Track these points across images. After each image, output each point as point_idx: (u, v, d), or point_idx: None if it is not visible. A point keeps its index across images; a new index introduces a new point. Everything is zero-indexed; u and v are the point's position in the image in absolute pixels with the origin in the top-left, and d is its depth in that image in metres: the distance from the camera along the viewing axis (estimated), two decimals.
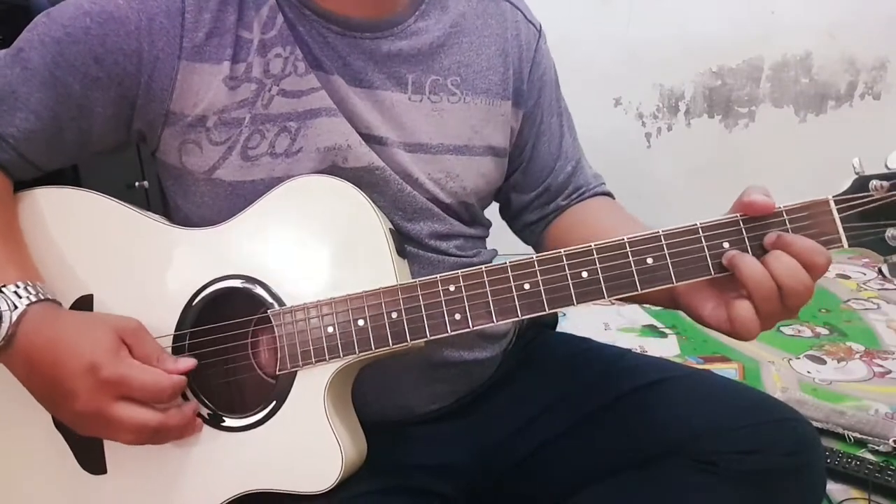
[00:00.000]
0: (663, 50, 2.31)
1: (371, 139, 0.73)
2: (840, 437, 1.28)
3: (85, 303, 0.68)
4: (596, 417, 0.79)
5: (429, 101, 0.76)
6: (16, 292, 0.61)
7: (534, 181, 0.86)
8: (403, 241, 0.72)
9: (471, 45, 0.78)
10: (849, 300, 2.02)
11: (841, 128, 2.33)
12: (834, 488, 1.14)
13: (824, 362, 1.65)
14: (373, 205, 0.67)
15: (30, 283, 0.63)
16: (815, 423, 1.30)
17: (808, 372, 1.60)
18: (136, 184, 1.50)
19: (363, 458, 0.68)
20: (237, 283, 0.67)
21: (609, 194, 0.89)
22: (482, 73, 0.78)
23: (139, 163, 1.50)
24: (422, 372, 0.76)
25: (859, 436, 1.27)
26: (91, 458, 0.67)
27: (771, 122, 2.37)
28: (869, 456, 1.22)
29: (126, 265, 0.69)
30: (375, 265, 0.66)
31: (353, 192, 0.67)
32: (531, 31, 0.84)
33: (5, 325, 0.60)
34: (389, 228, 0.68)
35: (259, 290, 0.67)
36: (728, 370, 1.59)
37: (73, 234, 0.69)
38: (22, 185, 0.70)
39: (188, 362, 0.64)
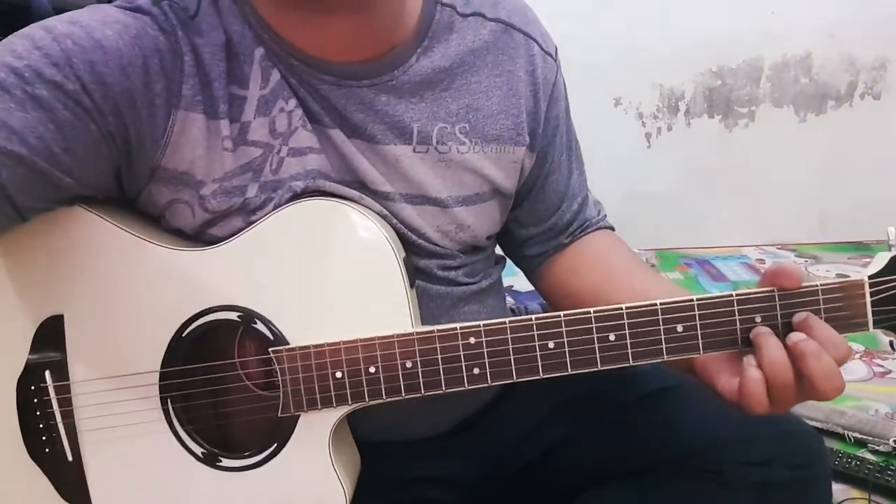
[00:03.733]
0: (663, 50, 2.31)
1: (376, 194, 0.67)
2: (840, 437, 1.28)
3: (54, 324, 0.61)
4: (600, 425, 0.78)
5: (436, 152, 0.69)
6: None
7: (537, 218, 0.81)
8: (414, 274, 0.67)
9: (480, 85, 0.70)
10: None
11: (841, 128, 2.33)
12: (834, 488, 1.14)
13: None
14: (386, 234, 0.62)
15: None
16: (815, 423, 1.30)
17: None
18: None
19: (358, 473, 0.66)
20: (233, 316, 0.61)
21: (611, 228, 0.86)
22: (493, 118, 0.71)
23: None
24: (428, 403, 0.71)
25: (859, 436, 1.26)
26: (74, 491, 0.63)
27: (771, 122, 2.37)
28: (869, 456, 1.22)
29: (105, 285, 0.61)
30: (388, 301, 0.61)
31: (366, 219, 0.62)
32: (548, 63, 0.75)
33: None
34: (403, 258, 0.63)
35: (258, 326, 0.61)
36: None
37: (47, 246, 0.62)
38: None
39: None
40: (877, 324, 0.59)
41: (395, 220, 0.68)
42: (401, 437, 0.76)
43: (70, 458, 0.63)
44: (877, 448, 1.24)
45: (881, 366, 1.62)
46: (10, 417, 0.63)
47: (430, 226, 0.70)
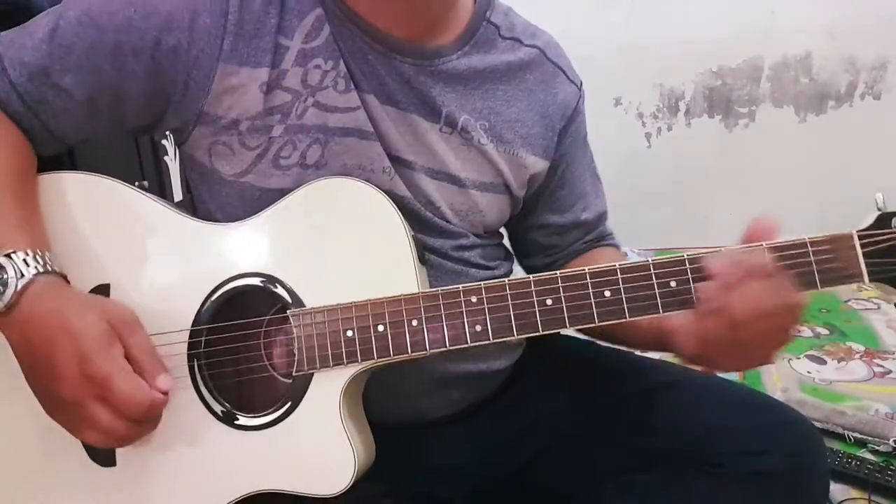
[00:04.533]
0: (663, 50, 2.31)
1: (399, 162, 0.72)
2: (840, 437, 1.28)
3: (102, 292, 0.67)
4: (601, 419, 0.79)
5: (459, 137, 0.75)
6: (24, 260, 0.60)
7: (547, 228, 0.87)
8: (426, 251, 0.71)
9: (504, 94, 0.78)
10: (849, 300, 2.01)
11: (841, 128, 2.33)
12: (834, 488, 1.14)
13: (824, 362, 1.65)
14: (397, 210, 0.67)
15: (39, 252, 0.61)
16: (815, 423, 1.30)
17: (809, 372, 1.60)
18: (136, 183, 1.50)
19: (372, 460, 0.68)
20: (257, 281, 0.67)
21: (617, 246, 0.91)
22: (509, 124, 0.78)
23: (139, 162, 1.50)
24: (436, 380, 0.76)
25: (859, 436, 1.27)
26: (101, 451, 0.66)
27: (771, 122, 2.37)
28: (869, 456, 1.22)
29: (145, 256, 0.68)
30: (397, 270, 0.66)
31: (379, 196, 0.67)
32: (570, 90, 0.84)
33: (10, 291, 0.59)
34: (412, 235, 0.68)
35: (279, 290, 0.66)
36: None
37: (94, 221, 0.69)
38: (44, 169, 0.69)
39: (165, 383, 0.61)
40: (872, 276, 0.61)
41: (409, 199, 0.72)
42: (411, 418, 0.77)
43: None
44: (877, 448, 1.24)
45: (881, 366, 1.62)
46: None
47: (446, 202, 0.75)
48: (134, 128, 0.73)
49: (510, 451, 0.81)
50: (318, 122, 0.69)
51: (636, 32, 2.28)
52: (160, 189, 0.77)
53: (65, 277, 0.63)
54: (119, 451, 0.66)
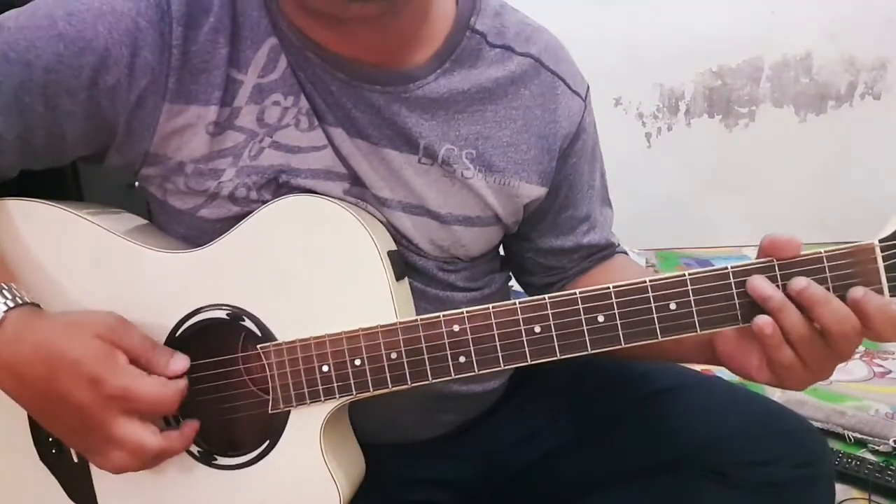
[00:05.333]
0: (663, 50, 2.30)
1: (373, 199, 0.67)
2: (840, 437, 1.28)
3: None
4: (604, 425, 0.77)
5: (440, 169, 0.68)
6: None
7: (549, 250, 0.79)
8: (408, 270, 0.67)
9: (495, 115, 0.69)
10: None
11: (841, 128, 2.33)
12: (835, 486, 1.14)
13: None
14: (367, 227, 0.62)
15: (5, 285, 0.58)
16: (815, 423, 1.30)
17: None
18: (136, 184, 1.50)
19: (361, 479, 0.66)
20: (222, 314, 0.62)
21: (624, 253, 0.84)
22: (501, 150, 0.69)
23: None
24: (428, 405, 0.73)
25: (859, 436, 1.26)
26: (80, 489, 0.64)
27: (771, 122, 2.36)
28: (869, 456, 1.22)
29: (103, 291, 0.63)
30: (372, 294, 0.61)
31: (347, 214, 0.62)
32: (574, 102, 0.73)
33: None
34: (388, 251, 0.63)
35: (247, 323, 0.62)
36: None
37: (45, 254, 0.63)
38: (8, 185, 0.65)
39: (180, 363, 0.60)
40: (893, 290, 0.55)
41: (386, 229, 0.67)
42: (400, 440, 0.75)
43: (76, 459, 0.64)
44: (877, 448, 1.24)
45: (881, 366, 1.62)
46: (22, 422, 0.64)
47: (424, 237, 0.69)
48: (77, 159, 0.66)
49: (506, 462, 0.79)
50: (276, 162, 0.63)
51: (636, 32, 2.28)
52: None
53: (37, 305, 0.60)
54: (99, 493, 0.64)
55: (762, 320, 0.54)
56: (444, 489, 0.77)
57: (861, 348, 1.70)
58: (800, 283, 0.54)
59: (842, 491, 1.14)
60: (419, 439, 0.77)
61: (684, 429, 0.73)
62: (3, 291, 0.57)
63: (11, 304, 0.57)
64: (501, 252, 0.83)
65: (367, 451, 0.69)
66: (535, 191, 0.72)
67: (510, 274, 0.84)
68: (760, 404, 0.76)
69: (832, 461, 0.74)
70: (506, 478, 0.80)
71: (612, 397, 0.79)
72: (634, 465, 0.74)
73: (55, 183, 0.68)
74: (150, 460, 0.58)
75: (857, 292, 0.54)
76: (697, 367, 0.78)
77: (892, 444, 1.23)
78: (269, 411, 0.62)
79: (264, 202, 0.64)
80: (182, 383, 0.59)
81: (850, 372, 1.60)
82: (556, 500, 0.77)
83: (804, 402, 1.39)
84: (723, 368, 0.63)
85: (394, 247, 0.66)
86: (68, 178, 1.16)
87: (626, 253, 0.84)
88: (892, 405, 1.40)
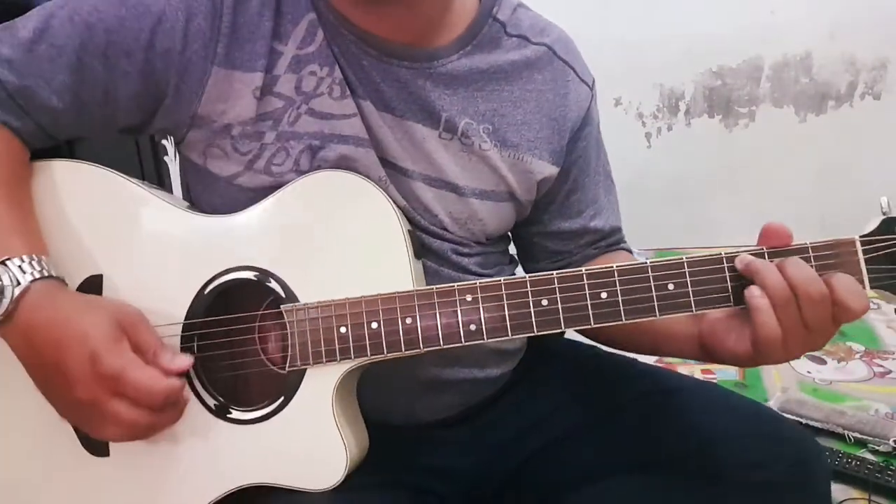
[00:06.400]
0: (663, 50, 2.31)
1: (395, 169, 0.71)
2: (840, 437, 1.28)
3: (95, 282, 0.67)
4: (600, 423, 0.78)
5: (459, 143, 0.73)
6: (20, 266, 0.59)
7: (557, 234, 0.83)
8: (421, 251, 0.70)
9: (511, 95, 0.74)
10: None
11: (841, 128, 2.33)
12: (834, 488, 1.14)
13: (824, 362, 1.65)
14: (393, 205, 0.66)
15: (35, 257, 0.61)
16: (815, 423, 1.31)
17: (808, 372, 1.60)
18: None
19: (365, 452, 0.68)
20: (250, 275, 0.66)
21: (629, 250, 0.88)
22: (515, 127, 0.74)
23: (139, 162, 1.50)
24: (430, 386, 0.75)
25: (859, 436, 1.27)
26: (94, 441, 0.66)
27: (771, 122, 2.37)
28: (869, 456, 1.22)
29: (139, 247, 0.68)
30: (392, 265, 0.65)
31: (375, 190, 0.66)
32: (582, 90, 0.80)
33: (6, 300, 0.58)
34: (408, 230, 0.67)
35: (272, 284, 0.66)
36: (728, 369, 1.59)
37: (87, 211, 0.68)
38: (37, 155, 0.68)
39: (184, 361, 0.62)
40: (873, 282, 0.60)
41: (407, 208, 0.71)
42: (403, 420, 0.77)
43: None
44: (877, 448, 1.24)
45: (881, 366, 1.62)
46: None
47: (444, 210, 0.73)
48: (125, 127, 0.71)
49: (506, 453, 0.80)
50: (311, 129, 0.68)
51: (636, 32, 2.28)
52: (157, 173, 0.77)
53: (63, 280, 0.63)
54: (112, 444, 0.66)
55: (752, 290, 0.59)
56: (444, 477, 0.78)
57: (861, 348, 1.70)
58: (788, 265, 0.59)
59: (842, 491, 1.15)
60: (421, 421, 0.78)
61: (681, 429, 0.74)
62: (33, 262, 0.60)
63: (38, 276, 0.60)
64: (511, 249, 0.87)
65: (371, 430, 0.70)
66: (547, 168, 0.77)
67: (516, 265, 0.87)
68: (756, 409, 0.78)
69: (828, 464, 0.74)
70: (506, 469, 0.81)
71: (612, 395, 0.80)
72: (632, 463, 0.74)
73: None
74: (143, 433, 0.61)
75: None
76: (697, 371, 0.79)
77: (892, 444, 1.23)
78: (286, 368, 0.65)
79: (299, 172, 0.68)
80: (176, 382, 0.61)
81: (850, 372, 1.60)
82: (555, 492, 0.78)
83: (804, 402, 1.39)
84: (718, 365, 0.65)
85: (410, 228, 0.69)
86: None
87: (630, 251, 0.88)
88: (892, 405, 1.40)
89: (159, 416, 0.61)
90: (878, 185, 2.25)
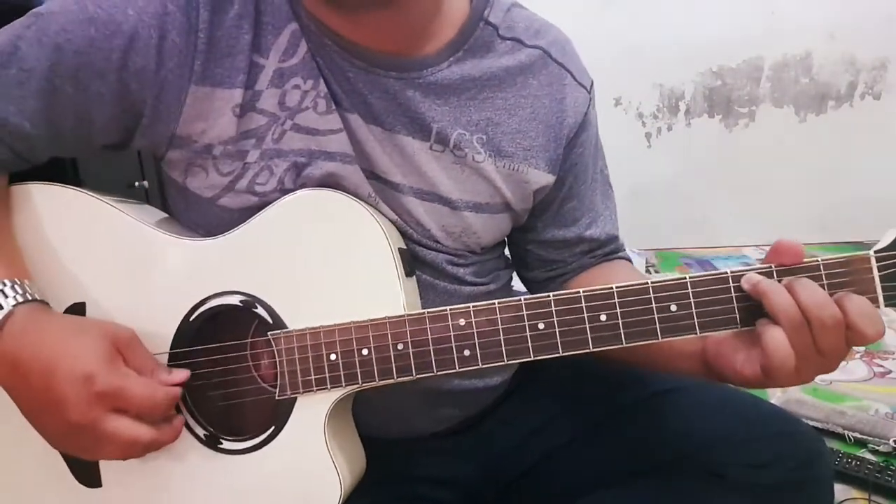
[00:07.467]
0: (663, 50, 2.31)
1: (385, 184, 0.68)
2: (840, 437, 1.28)
3: (77, 310, 0.65)
4: (604, 425, 0.77)
5: (452, 155, 0.69)
6: (2, 291, 0.58)
7: (550, 243, 0.80)
8: (415, 264, 0.68)
9: (505, 102, 0.71)
10: None
11: (841, 128, 2.33)
12: (834, 488, 1.14)
13: None
14: (381, 225, 0.64)
15: (17, 281, 0.59)
16: (815, 423, 1.30)
17: None
18: (136, 184, 1.50)
19: (361, 475, 0.67)
20: (236, 301, 0.64)
21: (627, 259, 0.85)
22: (510, 136, 0.71)
23: (139, 163, 1.50)
24: (428, 398, 0.73)
25: (859, 436, 1.26)
26: (86, 472, 0.65)
27: (771, 122, 2.37)
28: (869, 456, 1.22)
29: (121, 274, 0.65)
30: (381, 287, 0.63)
31: (363, 210, 0.64)
32: (580, 94, 0.75)
33: None
34: (399, 248, 0.65)
35: (259, 310, 0.64)
36: None
37: (68, 237, 0.66)
38: (17, 177, 0.66)
39: (182, 374, 0.62)
40: (888, 301, 0.56)
41: (398, 214, 0.69)
42: (401, 434, 0.76)
43: None
44: (877, 448, 1.24)
45: (881, 366, 1.62)
46: None
47: (436, 224, 0.70)
48: (105, 146, 0.68)
49: (507, 461, 0.80)
50: (297, 146, 0.65)
51: (636, 32, 2.28)
52: (160, 189, 0.76)
53: (47, 304, 0.61)
54: (104, 473, 0.65)
55: (763, 321, 0.56)
56: (445, 487, 0.78)
57: (861, 348, 1.70)
58: (798, 285, 0.56)
59: (842, 491, 1.15)
60: (421, 434, 0.77)
61: (684, 430, 0.74)
62: (16, 286, 0.59)
63: (21, 300, 0.58)
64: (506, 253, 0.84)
65: (368, 445, 0.69)
66: (543, 177, 0.74)
67: (513, 269, 0.85)
68: (759, 406, 0.77)
69: (831, 463, 0.74)
70: (507, 476, 0.80)
71: (613, 398, 0.79)
72: (635, 466, 0.74)
73: (55, 181, 0.68)
74: (142, 450, 0.60)
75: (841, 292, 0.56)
76: None
77: (892, 444, 1.23)
78: (276, 397, 0.63)
79: (284, 191, 0.65)
80: (175, 390, 0.60)
81: (850, 372, 1.60)
82: (558, 500, 0.77)
83: (804, 402, 1.39)
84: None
85: (403, 245, 0.67)
86: (69, 175, 1.16)
87: (629, 260, 0.85)
88: (892, 405, 1.40)
89: (159, 431, 0.60)
90: (878, 185, 2.26)
